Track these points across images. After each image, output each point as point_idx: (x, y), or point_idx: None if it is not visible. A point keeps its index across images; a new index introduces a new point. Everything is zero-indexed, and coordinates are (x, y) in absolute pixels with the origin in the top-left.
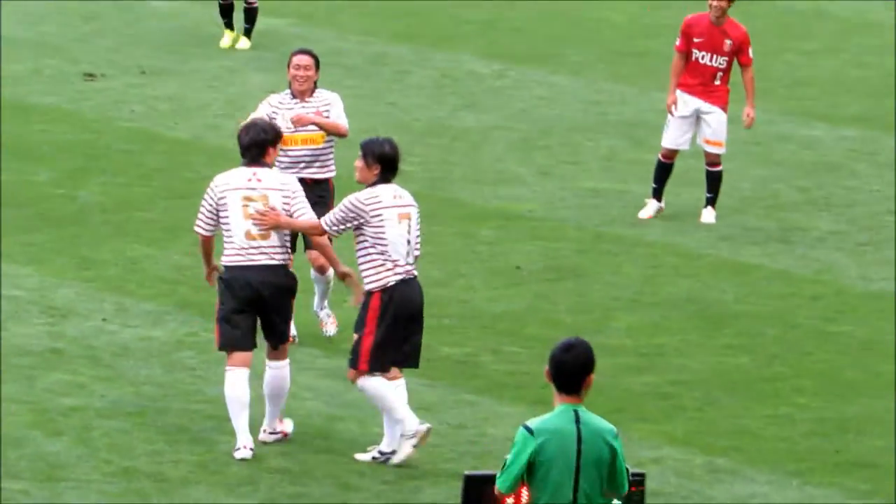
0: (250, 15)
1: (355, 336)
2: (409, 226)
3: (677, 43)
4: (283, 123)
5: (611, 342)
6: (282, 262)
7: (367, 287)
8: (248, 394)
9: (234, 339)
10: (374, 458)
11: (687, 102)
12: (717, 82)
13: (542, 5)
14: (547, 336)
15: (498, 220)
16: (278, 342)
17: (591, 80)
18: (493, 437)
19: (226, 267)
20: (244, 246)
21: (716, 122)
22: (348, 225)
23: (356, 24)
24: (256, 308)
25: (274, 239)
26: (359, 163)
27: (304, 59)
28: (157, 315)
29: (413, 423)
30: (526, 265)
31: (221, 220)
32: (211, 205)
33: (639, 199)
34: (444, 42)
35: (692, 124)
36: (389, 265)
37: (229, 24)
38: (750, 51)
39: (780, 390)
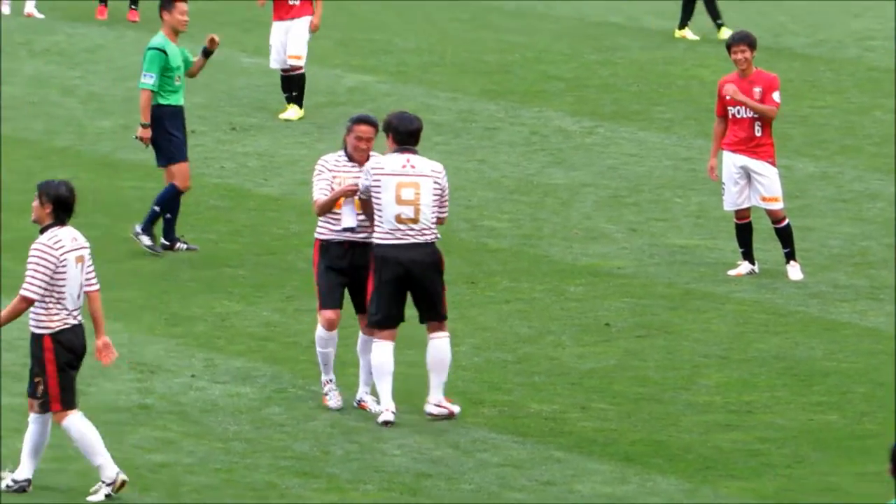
0: (296, 82)
1: (38, 380)
2: (83, 268)
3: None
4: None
5: (700, 399)
6: (431, 240)
7: (36, 330)
8: (392, 364)
9: (385, 319)
10: (7, 486)
11: (735, 161)
12: (759, 133)
13: (631, 63)
14: (635, 393)
15: (587, 277)
16: (432, 318)
17: (680, 137)
18: (580, 494)
19: (377, 245)
20: (394, 227)
21: (766, 178)
22: (49, 280)
23: (446, 81)
24: (407, 284)
25: (423, 220)
26: (35, 203)
27: (368, 131)
28: (245, 371)
29: (112, 471)
30: (615, 322)
31: (374, 201)
32: (365, 187)
33: (728, 256)
34: (533, 99)
35: (746, 183)
36: (64, 313)
37: (290, 99)
38: (776, 95)
39: (870, 448)
